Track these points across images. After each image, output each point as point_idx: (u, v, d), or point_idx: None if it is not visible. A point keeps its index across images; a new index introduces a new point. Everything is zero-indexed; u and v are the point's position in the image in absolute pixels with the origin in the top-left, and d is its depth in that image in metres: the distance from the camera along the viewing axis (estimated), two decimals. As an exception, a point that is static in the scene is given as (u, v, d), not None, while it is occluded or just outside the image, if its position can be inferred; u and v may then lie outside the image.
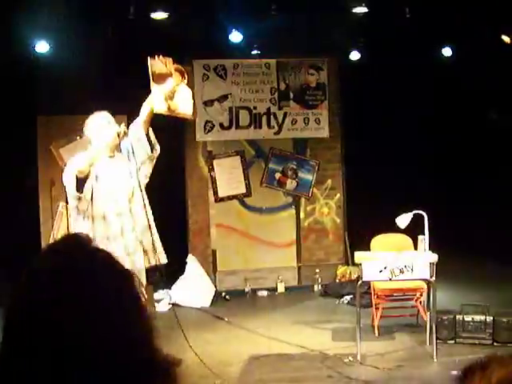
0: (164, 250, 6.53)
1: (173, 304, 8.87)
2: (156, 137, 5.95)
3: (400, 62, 10.54)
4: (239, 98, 9.90)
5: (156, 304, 8.73)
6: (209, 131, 9.77)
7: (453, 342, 6.73)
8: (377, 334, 7.22)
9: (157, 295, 8.92)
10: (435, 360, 6.26)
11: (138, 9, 8.10)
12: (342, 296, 9.14)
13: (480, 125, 11.53)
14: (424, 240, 6.60)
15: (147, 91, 5.64)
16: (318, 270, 9.92)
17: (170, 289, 9.08)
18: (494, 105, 11.33)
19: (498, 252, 10.73)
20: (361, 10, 8.60)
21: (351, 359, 6.34)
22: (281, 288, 9.77)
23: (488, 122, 11.50)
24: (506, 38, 9.47)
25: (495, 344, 6.57)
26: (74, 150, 8.67)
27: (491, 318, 6.66)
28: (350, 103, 10.29)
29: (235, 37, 9.20)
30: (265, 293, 9.68)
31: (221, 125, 9.85)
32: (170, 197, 10.01)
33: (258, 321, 7.99)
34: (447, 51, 10.34)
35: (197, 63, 9.72)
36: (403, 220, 6.70)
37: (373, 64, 10.35)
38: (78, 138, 8.69)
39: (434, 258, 6.34)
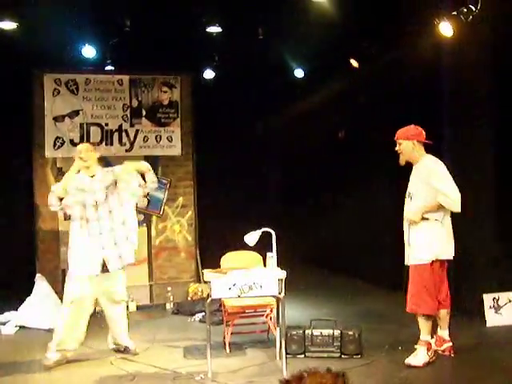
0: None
1: (20, 326, 8.57)
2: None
3: (253, 81, 10.77)
4: (91, 114, 9.77)
5: (1, 327, 8.40)
6: (59, 147, 9.55)
7: (302, 356, 6.89)
8: (228, 351, 7.27)
9: (2, 317, 8.57)
10: (285, 374, 6.37)
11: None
12: (194, 314, 9.15)
13: (330, 143, 11.93)
14: (272, 257, 6.72)
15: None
16: (169, 288, 9.89)
17: (16, 310, 8.75)
18: (344, 124, 11.77)
19: (345, 267, 11.13)
20: (215, 29, 8.72)
21: (202, 377, 6.33)
22: (132, 307, 9.64)
23: (338, 141, 11.91)
24: (354, 62, 9.92)
25: (343, 356, 6.79)
26: None
27: (339, 331, 6.88)
28: (203, 121, 10.37)
29: (88, 51, 9.07)
30: (116, 312, 9.51)
31: (71, 141, 9.67)
32: (17, 215, 9.69)
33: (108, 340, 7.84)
34: (299, 72, 10.67)
35: (47, 77, 9.50)
36: (252, 237, 6.78)
37: (227, 82, 10.50)
38: None
39: (283, 274, 6.46)
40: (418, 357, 6.53)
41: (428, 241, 6.49)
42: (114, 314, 7.22)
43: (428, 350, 6.57)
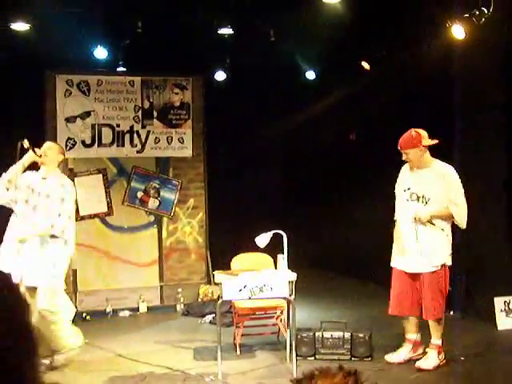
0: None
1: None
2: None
3: (264, 83, 10.77)
4: (102, 115, 9.78)
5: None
6: (70, 148, 9.56)
7: (313, 358, 6.88)
8: (238, 353, 7.27)
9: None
10: (295, 376, 6.37)
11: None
12: (205, 315, 9.16)
13: (343, 146, 11.89)
14: (283, 259, 6.72)
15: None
16: (180, 290, 9.90)
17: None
18: (355, 126, 11.75)
19: (355, 270, 11.10)
20: (226, 31, 8.74)
21: (212, 378, 6.35)
22: (143, 308, 9.67)
23: (349, 143, 11.88)
24: (365, 65, 9.90)
25: (353, 359, 6.78)
26: None
27: (349, 334, 6.88)
28: (214, 123, 10.37)
29: (100, 53, 9.12)
30: (127, 313, 9.55)
31: (83, 142, 9.69)
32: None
33: (119, 341, 7.86)
34: (310, 74, 10.68)
35: (60, 78, 9.52)
36: (262, 239, 6.77)
37: (238, 84, 10.51)
38: None
39: (293, 276, 6.47)
40: (429, 360, 6.52)
41: (445, 246, 6.54)
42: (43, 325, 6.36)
43: (439, 353, 6.56)
